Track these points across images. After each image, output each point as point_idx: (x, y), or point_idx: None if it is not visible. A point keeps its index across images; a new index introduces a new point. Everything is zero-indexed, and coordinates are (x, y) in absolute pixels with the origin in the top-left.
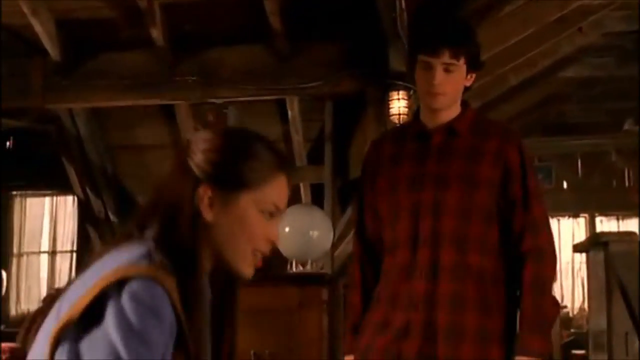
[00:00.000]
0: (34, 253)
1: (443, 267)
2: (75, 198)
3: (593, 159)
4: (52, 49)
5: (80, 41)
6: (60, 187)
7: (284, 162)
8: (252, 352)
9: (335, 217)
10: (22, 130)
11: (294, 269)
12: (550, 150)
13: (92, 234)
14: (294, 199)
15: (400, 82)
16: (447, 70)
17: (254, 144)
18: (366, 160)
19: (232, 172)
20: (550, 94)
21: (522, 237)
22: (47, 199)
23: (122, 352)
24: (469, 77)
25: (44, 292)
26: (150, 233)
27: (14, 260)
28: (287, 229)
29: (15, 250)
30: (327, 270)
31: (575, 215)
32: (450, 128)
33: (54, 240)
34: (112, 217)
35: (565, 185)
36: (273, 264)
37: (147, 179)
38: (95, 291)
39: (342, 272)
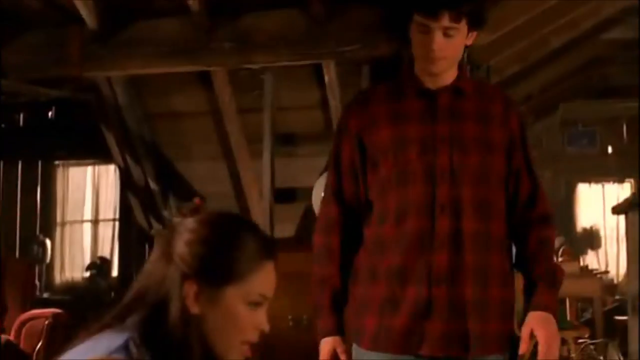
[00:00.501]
0: (77, 222)
1: (467, 237)
2: (116, 167)
3: (638, 122)
4: (89, 18)
5: (116, 9)
6: (101, 156)
7: (270, 249)
8: (289, 317)
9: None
10: (63, 100)
11: None
12: (594, 114)
13: (133, 202)
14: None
15: None
16: (446, 34)
17: (240, 233)
18: (348, 119)
19: (217, 267)
20: (593, 57)
21: (531, 203)
22: (89, 168)
23: None
24: (469, 35)
25: (87, 260)
26: (132, 324)
27: (58, 229)
28: (322, 194)
29: (59, 219)
30: None
31: (620, 181)
32: (456, 88)
33: (96, 208)
34: (151, 184)
35: (610, 149)
36: (309, 228)
37: (185, 146)
38: None
39: None
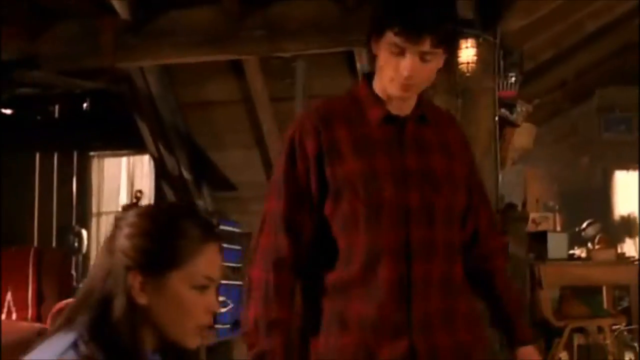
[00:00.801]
0: (112, 212)
1: (436, 283)
2: (150, 157)
3: None
4: (122, 8)
5: None
6: (136, 147)
7: (211, 232)
8: None
9: None
10: (97, 92)
11: None
12: (631, 100)
13: (167, 191)
14: None
15: (469, 30)
16: (423, 59)
17: (179, 221)
18: (304, 139)
19: (159, 255)
20: (629, 41)
21: (490, 234)
22: (124, 159)
23: None
24: (442, 59)
25: None
26: (80, 323)
27: (94, 220)
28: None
29: (94, 209)
30: None
31: None
32: (420, 115)
33: (131, 199)
34: (185, 174)
35: None
36: None
37: (218, 135)
38: None
39: None
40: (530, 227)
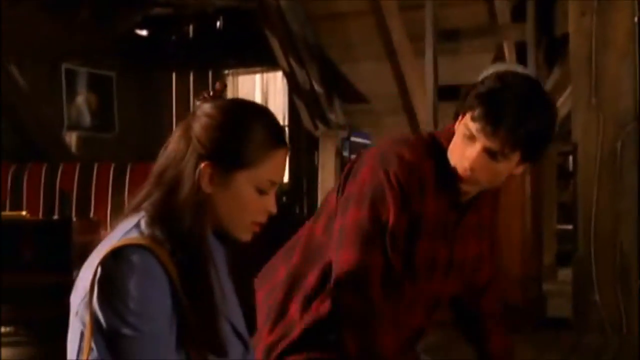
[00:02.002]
0: None
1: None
2: (283, 73)
3: None
4: None
5: None
6: (268, 63)
7: (280, 138)
8: None
9: (540, 77)
10: (229, 10)
11: None
12: None
13: (300, 106)
14: (497, 57)
15: None
16: (493, 156)
17: (253, 121)
18: (409, 190)
19: (230, 152)
20: None
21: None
22: (257, 76)
23: (125, 319)
24: (518, 167)
25: None
26: (147, 206)
27: None
28: None
29: None
30: None
31: None
32: (477, 205)
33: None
34: (316, 87)
35: None
36: None
37: (348, 47)
38: (94, 271)
39: (556, 136)
40: None
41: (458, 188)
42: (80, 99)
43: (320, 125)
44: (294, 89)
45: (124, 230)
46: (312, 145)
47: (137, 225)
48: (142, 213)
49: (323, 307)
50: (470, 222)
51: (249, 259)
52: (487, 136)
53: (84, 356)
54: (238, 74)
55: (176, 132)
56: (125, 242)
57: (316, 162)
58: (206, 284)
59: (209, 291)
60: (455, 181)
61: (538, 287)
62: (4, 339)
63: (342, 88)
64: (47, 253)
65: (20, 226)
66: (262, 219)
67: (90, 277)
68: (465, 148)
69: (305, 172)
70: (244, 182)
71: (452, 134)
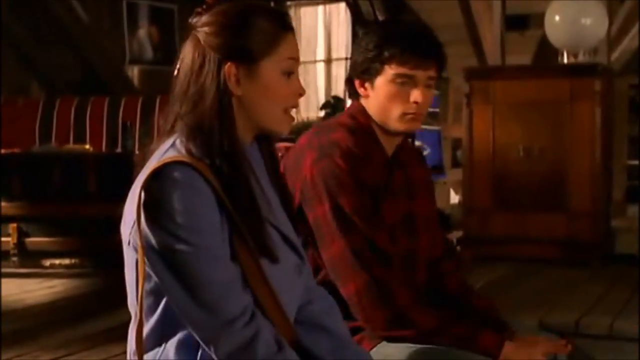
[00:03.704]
0: (310, 62)
1: None
2: (346, 5)
3: None
4: None
5: None
6: None
7: (287, 21)
8: (520, 147)
9: (612, 3)
10: None
11: (564, 60)
12: None
13: None
14: None
15: None
16: (428, 85)
17: (254, 12)
18: (357, 174)
19: (246, 45)
20: None
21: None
22: (320, 8)
23: (177, 235)
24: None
25: (321, 99)
26: (179, 125)
27: None
28: (556, 18)
29: None
30: (602, 60)
31: None
32: (403, 155)
33: (328, 48)
34: (380, 18)
35: None
36: (542, 55)
37: None
38: (138, 197)
39: (628, 69)
40: None
41: (379, 139)
42: (142, 32)
43: None
44: (358, 20)
45: (161, 152)
46: None
47: (173, 145)
48: (176, 134)
49: None
50: (415, 178)
51: None
52: (425, 68)
53: (140, 284)
54: (300, 5)
55: (185, 50)
56: (164, 161)
57: None
58: (247, 191)
59: (250, 197)
60: (376, 136)
61: (607, 223)
62: (70, 270)
63: (406, 18)
64: (110, 185)
65: (83, 159)
66: (295, 103)
67: (136, 203)
68: (403, 95)
69: None
70: (269, 69)
71: (357, 110)
